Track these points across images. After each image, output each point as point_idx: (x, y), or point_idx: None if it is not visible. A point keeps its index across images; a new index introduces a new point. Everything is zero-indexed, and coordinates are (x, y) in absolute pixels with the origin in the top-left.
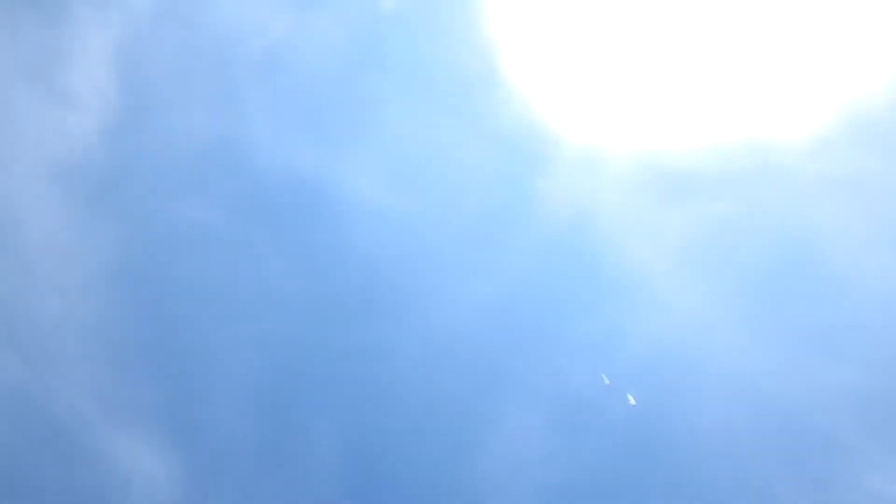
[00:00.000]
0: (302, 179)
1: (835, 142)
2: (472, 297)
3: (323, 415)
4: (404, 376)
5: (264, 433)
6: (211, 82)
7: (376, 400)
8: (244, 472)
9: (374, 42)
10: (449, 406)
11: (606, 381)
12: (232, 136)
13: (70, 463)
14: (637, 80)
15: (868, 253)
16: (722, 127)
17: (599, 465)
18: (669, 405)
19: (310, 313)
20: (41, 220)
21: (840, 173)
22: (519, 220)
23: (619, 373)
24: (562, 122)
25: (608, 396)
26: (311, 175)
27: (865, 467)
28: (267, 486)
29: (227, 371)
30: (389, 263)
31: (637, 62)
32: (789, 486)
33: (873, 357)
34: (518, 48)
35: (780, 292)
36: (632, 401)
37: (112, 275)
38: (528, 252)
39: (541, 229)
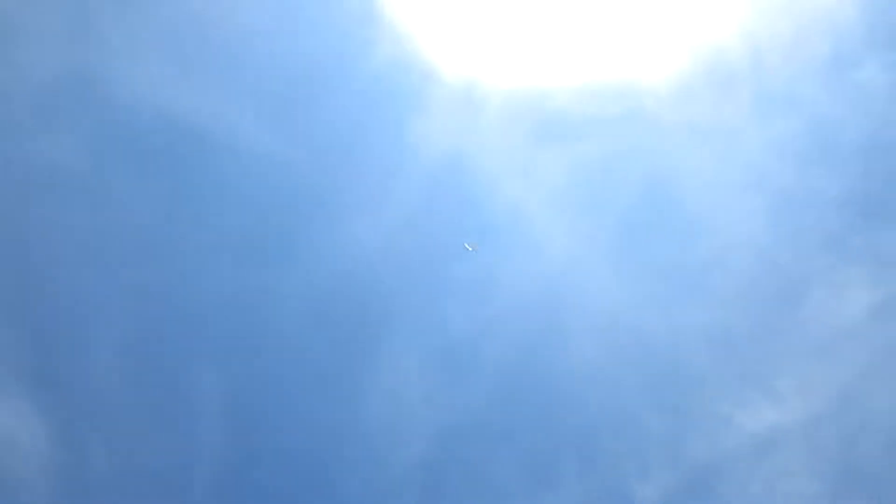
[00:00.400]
0: (169, 117)
1: (694, 87)
2: (349, 239)
3: (203, 363)
4: (284, 321)
5: (141, 385)
6: (67, 9)
7: (257, 345)
8: (121, 428)
9: None
10: (331, 349)
11: (469, 248)
12: (91, 69)
13: None
14: (510, 19)
15: (726, 195)
16: (589, 68)
17: (478, 402)
18: (542, 341)
19: (182, 259)
20: None
21: (699, 118)
22: (395, 160)
23: (494, 312)
24: (437, 59)
25: (485, 335)
26: (180, 112)
27: (718, 395)
28: (146, 440)
29: (96, 321)
30: (265, 206)
31: (515, 8)
32: (650, 413)
33: (729, 294)
34: None
35: (645, 233)
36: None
37: None
38: (405, 193)
39: (417, 169)
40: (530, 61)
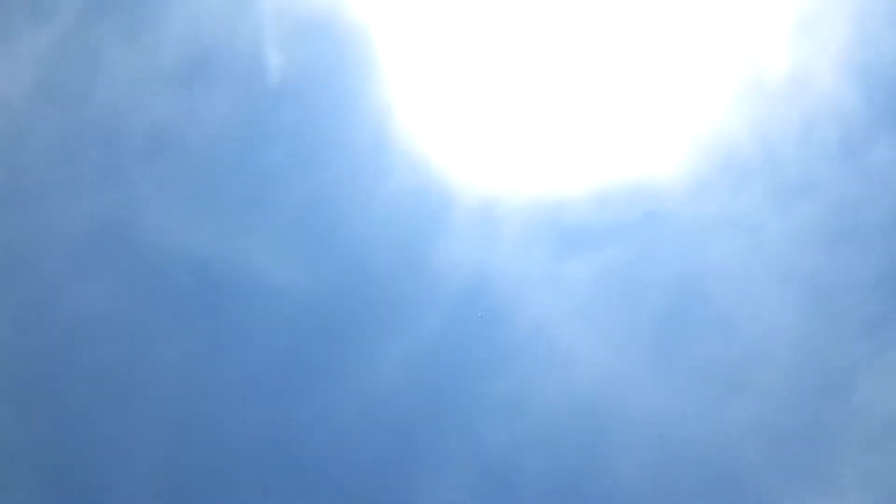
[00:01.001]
0: (195, 258)
1: (708, 181)
2: (377, 369)
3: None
4: (315, 456)
5: None
6: (94, 163)
7: (289, 482)
8: None
9: (262, 115)
10: (364, 480)
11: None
12: (120, 219)
13: None
14: (518, 130)
15: (756, 288)
16: (601, 171)
17: None
18: (583, 457)
19: (217, 399)
20: None
21: (718, 213)
22: (418, 286)
23: (530, 430)
24: (452, 180)
25: (523, 454)
26: (204, 253)
27: (777, 498)
28: None
29: (128, 464)
30: (291, 341)
31: (521, 118)
32: None
33: (773, 389)
34: (408, 111)
35: (678, 336)
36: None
37: None
38: (430, 318)
39: (441, 293)
40: (543, 170)
